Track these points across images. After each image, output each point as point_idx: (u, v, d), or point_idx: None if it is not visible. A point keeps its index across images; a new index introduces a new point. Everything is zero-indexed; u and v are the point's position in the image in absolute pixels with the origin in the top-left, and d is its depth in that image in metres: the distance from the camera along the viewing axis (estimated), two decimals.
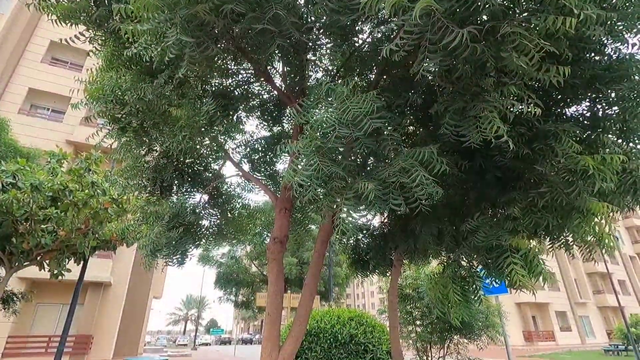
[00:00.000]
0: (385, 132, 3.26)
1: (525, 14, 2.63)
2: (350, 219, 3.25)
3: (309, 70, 5.99)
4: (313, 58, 5.73)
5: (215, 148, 7.14)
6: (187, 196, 7.16)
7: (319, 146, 3.05)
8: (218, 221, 7.63)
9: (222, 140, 6.67)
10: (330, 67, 5.88)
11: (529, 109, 2.97)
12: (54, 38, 24.91)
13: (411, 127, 4.91)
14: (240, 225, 8.01)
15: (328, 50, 4.78)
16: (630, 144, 4.37)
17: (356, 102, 2.96)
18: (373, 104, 2.93)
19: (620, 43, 4.06)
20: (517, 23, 2.48)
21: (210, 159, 7.62)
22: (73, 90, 5.15)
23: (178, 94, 4.87)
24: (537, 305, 48.46)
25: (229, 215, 7.64)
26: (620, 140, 4.38)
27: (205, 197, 7.36)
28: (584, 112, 4.61)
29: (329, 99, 3.27)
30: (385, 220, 6.63)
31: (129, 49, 3.77)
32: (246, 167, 6.73)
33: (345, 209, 3.10)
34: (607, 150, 4.00)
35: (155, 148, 6.47)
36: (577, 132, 3.85)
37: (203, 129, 4.78)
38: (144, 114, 4.81)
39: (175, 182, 7.34)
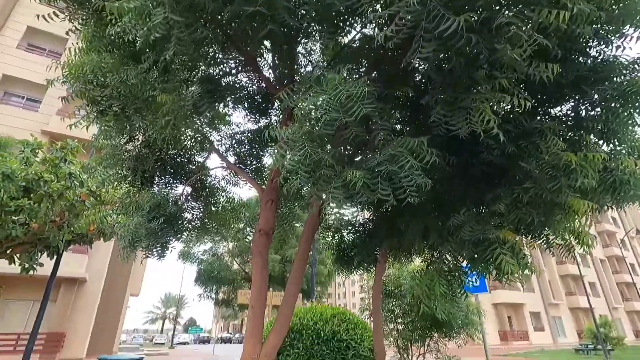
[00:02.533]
0: (375, 121, 3.22)
1: (520, 6, 2.64)
2: (338, 210, 3.20)
3: (298, 62, 5.91)
4: (303, 51, 5.65)
5: (199, 139, 6.98)
6: (168, 188, 6.95)
7: (308, 132, 2.99)
8: (201, 214, 7.45)
9: (207, 132, 6.50)
10: (321, 60, 5.81)
11: (519, 103, 2.99)
12: (32, 23, 23.94)
13: (399, 126, 4.92)
14: (223, 220, 7.85)
15: (320, 40, 4.72)
16: (611, 145, 4.50)
17: (348, 87, 2.91)
18: (364, 89, 2.88)
19: (605, 45, 4.17)
20: (512, 14, 2.49)
21: (194, 151, 7.43)
22: (49, 67, 4.89)
23: (163, 80, 4.70)
24: (513, 306, 49.88)
25: (213, 208, 7.48)
26: (602, 142, 4.50)
27: (188, 189, 7.17)
28: (569, 112, 4.72)
29: (321, 88, 3.21)
30: (371, 217, 6.62)
31: (113, 27, 3.60)
32: (232, 159, 6.59)
33: (332, 200, 3.05)
34: (590, 150, 4.10)
35: (137, 137, 6.26)
36: (562, 131, 3.93)
37: (188, 117, 4.63)
38: (126, 98, 4.62)
39: (157, 173, 7.12)
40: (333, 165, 3.04)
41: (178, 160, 7.59)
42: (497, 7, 2.57)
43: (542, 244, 5.02)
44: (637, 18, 3.76)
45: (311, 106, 2.87)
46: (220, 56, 5.73)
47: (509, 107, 4.29)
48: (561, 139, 3.96)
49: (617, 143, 4.49)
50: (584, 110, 4.56)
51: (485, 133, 3.14)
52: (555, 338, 50.62)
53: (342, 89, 2.75)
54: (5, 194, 10.74)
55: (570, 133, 4.49)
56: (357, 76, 4.96)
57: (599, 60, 4.26)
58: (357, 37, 4.98)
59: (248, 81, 6.69)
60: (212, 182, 7.55)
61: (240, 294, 16.73)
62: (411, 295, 10.07)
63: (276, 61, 5.57)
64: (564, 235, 4.67)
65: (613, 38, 4.09)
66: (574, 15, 2.65)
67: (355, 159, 3.31)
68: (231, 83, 6.33)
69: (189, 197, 7.23)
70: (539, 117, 4.46)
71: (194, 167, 8.01)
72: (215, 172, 7.13)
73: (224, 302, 27.32)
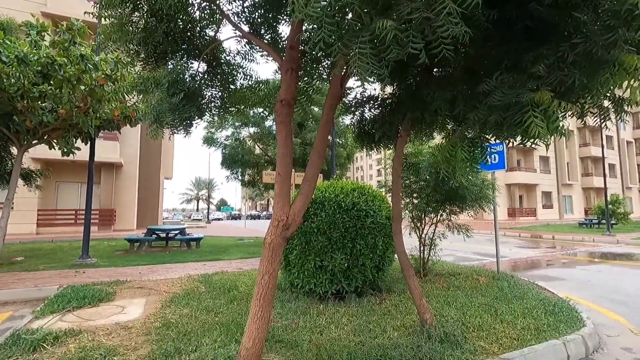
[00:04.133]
0: None
1: None
2: (363, 74, 3.01)
3: None
4: None
5: (207, 9, 6.36)
6: (184, 64, 6.70)
7: None
8: (220, 93, 7.34)
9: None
10: None
11: None
12: None
13: None
14: (243, 98, 7.75)
15: None
16: None
17: None
18: None
19: None
20: None
21: (204, 22, 6.86)
22: None
23: None
24: (526, 186, 51.61)
25: (231, 87, 7.31)
26: None
27: (203, 65, 6.90)
28: None
29: None
30: (394, 92, 6.34)
31: None
32: (245, 28, 6.06)
33: (359, 59, 2.83)
34: None
35: (141, 5, 5.73)
36: None
37: None
38: None
39: (169, 48, 6.77)
40: (360, 15, 2.73)
41: (188, 34, 7.10)
42: None
43: (576, 112, 4.77)
44: None
45: None
46: None
47: None
48: None
49: None
50: None
51: None
52: (562, 214, 53.61)
53: None
54: (25, 79, 10.81)
55: None
56: None
57: None
58: None
59: None
60: (228, 59, 7.19)
61: (264, 175, 17.80)
62: (429, 173, 10.40)
63: None
64: (603, 100, 4.38)
65: None
66: None
67: (386, 7, 2.94)
68: None
69: (205, 75, 7.02)
70: None
71: (205, 42, 7.54)
72: (230, 47, 6.68)
73: (250, 183, 29.37)
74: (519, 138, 3.97)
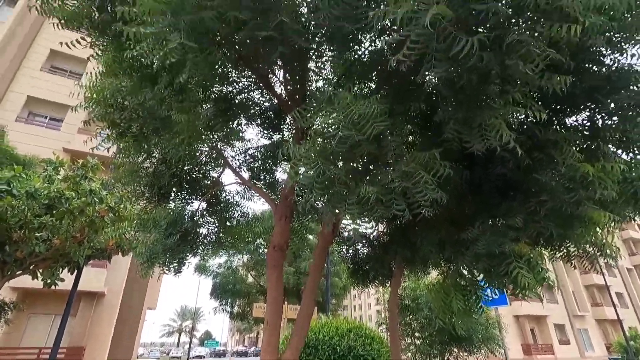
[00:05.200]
0: (388, 137, 3.24)
1: (529, 22, 2.65)
2: (353, 224, 3.22)
3: (309, 78, 6.01)
4: (314, 68, 5.75)
5: (214, 155, 7.12)
6: (184, 203, 7.09)
7: (321, 149, 3.03)
8: (216, 229, 7.55)
9: (222, 147, 6.64)
10: (331, 76, 5.90)
11: (534, 115, 2.98)
12: (55, 47, 25.06)
13: (411, 137, 4.92)
14: (238, 234, 7.92)
15: (330, 59, 4.80)
16: (631, 154, 4.39)
17: (359, 106, 2.96)
18: (376, 107, 2.92)
19: (619, 54, 4.11)
20: (523, 30, 2.50)
21: (209, 166, 7.58)
22: (72, 93, 5.13)
23: (178, 100, 4.86)
24: (536, 318, 48.06)
25: (227, 223, 7.57)
26: (620, 151, 4.40)
27: (204, 204, 7.29)
28: (584, 121, 4.64)
29: (332, 107, 3.26)
30: (385, 230, 6.58)
31: (131, 51, 3.77)
32: (245, 175, 6.69)
33: (348, 216, 3.07)
34: (608, 160, 4.01)
35: (154, 154, 6.44)
36: (578, 141, 3.87)
37: (202, 134, 4.75)
38: (144, 119, 4.79)
39: (174, 189, 7.28)
40: (346, 182, 3.06)
41: (193, 176, 7.76)
42: (507, 24, 2.58)
43: (563, 256, 4.89)
44: None
45: (323, 125, 2.92)
46: (234, 75, 5.89)
47: (522, 116, 4.27)
48: (577, 149, 3.90)
49: (636, 151, 4.38)
50: (600, 120, 4.48)
51: (502, 147, 3.11)
52: (583, 352, 48.38)
53: (354, 108, 2.80)
54: (29, 212, 11.12)
55: (587, 143, 4.40)
56: (367, 90, 5.02)
57: (614, 69, 4.19)
58: (367, 50, 5.05)
59: (260, 97, 6.84)
60: (227, 197, 7.66)
61: (255, 308, 16.69)
62: (428, 309, 9.87)
63: (287, 77, 5.68)
64: (585, 247, 4.54)
65: (627, 46, 4.03)
66: (585, 28, 2.64)
67: (369, 175, 3.33)
68: (244, 100, 6.48)
69: (205, 213, 7.35)
70: (554, 127, 4.40)
71: (209, 182, 8.16)
72: (230, 188, 7.26)
73: (239, 315, 27.29)
74: (511, 287, 3.95)
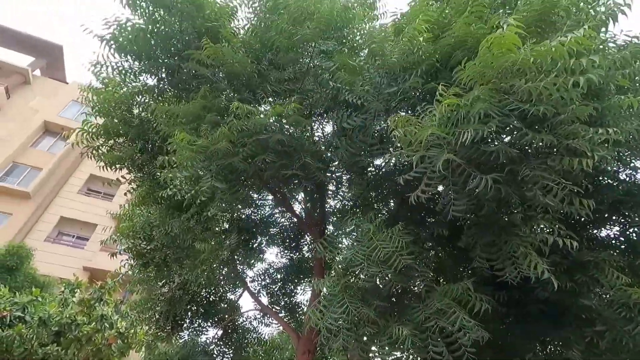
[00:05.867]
0: (416, 268, 3.13)
1: (540, 156, 2.80)
2: None
3: (328, 199, 6.24)
4: (332, 189, 6.01)
5: (233, 277, 6.96)
6: (199, 332, 6.65)
7: (347, 285, 2.92)
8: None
9: (241, 271, 6.54)
10: (348, 196, 6.12)
11: (564, 243, 2.88)
12: (94, 171, 27.53)
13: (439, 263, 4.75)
14: None
15: (346, 184, 5.07)
16: None
17: (383, 239, 2.94)
18: (401, 240, 2.89)
19: (632, 170, 4.20)
20: (534, 165, 2.62)
21: (227, 289, 7.35)
22: (105, 228, 5.41)
23: (203, 227, 5.03)
24: None
25: (243, 353, 6.92)
26: None
27: (219, 332, 6.82)
28: (617, 235, 4.47)
29: (354, 234, 3.28)
30: None
31: (165, 190, 4.07)
32: (264, 299, 6.40)
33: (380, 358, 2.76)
34: None
35: (173, 279, 6.35)
36: (618, 261, 3.64)
37: (225, 263, 4.74)
38: (168, 249, 4.88)
39: (189, 315, 6.94)
40: (376, 321, 2.84)
41: (210, 299, 7.47)
42: (519, 160, 2.73)
43: None
44: None
45: (350, 261, 2.87)
46: (256, 199, 6.19)
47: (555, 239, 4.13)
48: (620, 268, 3.65)
49: None
50: (633, 234, 4.32)
51: (539, 277, 2.94)
52: None
53: (378, 244, 2.78)
54: (37, 341, 10.59)
55: (626, 258, 4.13)
56: (386, 212, 5.11)
57: (632, 184, 4.22)
58: (382, 172, 5.34)
59: (280, 217, 7.02)
60: (244, 323, 7.20)
61: None
62: None
63: (307, 199, 5.91)
64: None
65: (638, 163, 4.15)
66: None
67: (399, 312, 3.11)
68: (265, 221, 6.64)
69: (220, 342, 6.81)
70: (586, 244, 4.22)
71: (226, 306, 7.79)
72: (248, 314, 6.88)
73: None
74: None
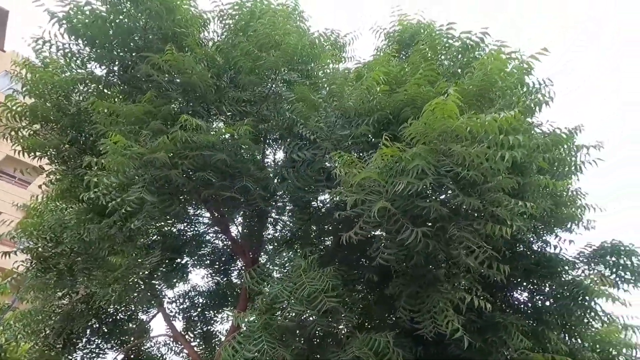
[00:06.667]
0: (341, 311, 3.08)
1: (467, 220, 2.99)
2: None
3: (268, 226, 6.07)
4: (275, 217, 5.88)
5: (150, 296, 6.34)
6: (95, 354, 5.86)
7: (267, 323, 2.77)
8: None
9: (159, 289, 5.98)
10: (289, 227, 6.01)
11: (479, 304, 3.04)
12: (11, 153, 24.52)
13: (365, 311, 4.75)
14: None
15: (289, 214, 5.00)
16: (573, 340, 4.49)
17: (312, 277, 2.88)
18: (329, 282, 2.86)
19: (544, 244, 4.68)
20: (462, 226, 2.79)
21: (139, 307, 6.65)
22: (7, 221, 4.72)
23: (125, 237, 4.57)
24: None
25: None
26: (563, 335, 4.50)
27: (119, 356, 6.07)
28: (525, 301, 4.87)
29: (285, 269, 3.18)
30: None
31: (87, 192, 3.67)
32: (179, 324, 5.85)
33: None
34: (553, 344, 4.07)
35: (77, 291, 5.61)
36: (524, 326, 3.93)
37: (142, 281, 4.31)
38: (78, 255, 4.34)
39: (87, 332, 6.13)
40: None
41: (118, 317, 6.68)
42: (449, 219, 2.90)
43: None
44: (566, 224, 4.43)
45: (275, 297, 2.75)
46: (190, 214, 5.81)
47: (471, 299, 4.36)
48: (525, 332, 3.93)
49: (578, 339, 4.51)
50: (539, 302, 4.73)
51: (452, 333, 3.04)
52: None
53: (306, 281, 2.71)
54: None
55: (531, 325, 4.48)
56: (322, 248, 5.08)
57: (543, 254, 4.68)
58: (324, 208, 5.35)
59: (214, 238, 6.64)
60: (151, 348, 6.50)
61: None
62: None
63: (246, 226, 5.70)
64: None
65: (549, 238, 4.66)
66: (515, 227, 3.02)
67: (318, 355, 3.01)
68: (196, 239, 6.23)
69: None
70: (499, 305, 4.53)
71: (134, 326, 7.00)
72: (158, 338, 6.20)
73: None
74: None
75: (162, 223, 4.26)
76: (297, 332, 3.03)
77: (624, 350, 4.88)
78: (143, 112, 3.65)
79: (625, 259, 4.54)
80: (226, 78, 4.25)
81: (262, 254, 5.70)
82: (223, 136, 3.36)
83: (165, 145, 3.21)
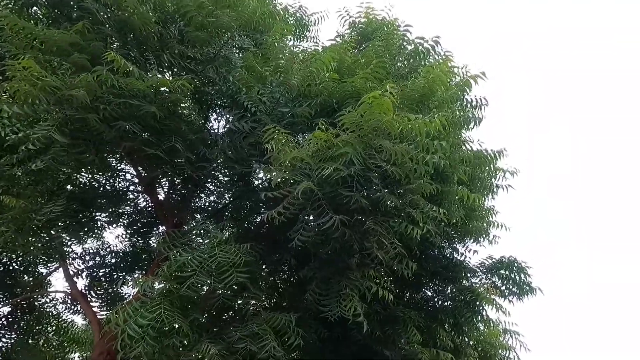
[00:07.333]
0: (249, 288, 3.07)
1: (384, 217, 3.14)
2: None
3: (200, 194, 5.80)
4: (210, 187, 5.65)
5: (54, 248, 5.76)
6: None
7: (169, 291, 2.68)
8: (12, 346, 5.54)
9: (66, 242, 5.44)
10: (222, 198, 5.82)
11: (384, 294, 3.25)
12: None
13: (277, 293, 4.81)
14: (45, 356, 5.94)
15: (224, 187, 4.86)
16: (461, 339, 5.04)
17: (226, 251, 2.83)
18: (242, 257, 2.82)
19: (453, 251, 5.14)
20: (378, 222, 2.93)
21: (38, 260, 6.01)
22: None
23: (31, 180, 4.06)
24: None
25: (30, 341, 5.69)
26: (452, 333, 5.02)
27: (5, 309, 5.49)
28: (427, 298, 5.33)
29: (199, 243, 3.10)
30: None
31: None
32: (81, 282, 5.37)
33: None
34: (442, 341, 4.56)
35: None
36: (420, 322, 4.29)
37: (39, 230, 3.90)
38: None
39: None
40: (188, 334, 2.65)
41: (10, 267, 5.99)
42: (368, 213, 3.02)
43: None
44: (475, 236, 4.91)
45: (182, 265, 2.64)
46: (111, 164, 5.31)
47: (377, 289, 4.65)
48: (420, 329, 4.31)
49: (464, 338, 5.07)
50: (439, 301, 5.22)
51: (355, 318, 3.21)
52: None
53: (218, 254, 2.66)
54: None
55: (427, 322, 4.90)
56: (248, 225, 5.01)
57: (451, 260, 5.13)
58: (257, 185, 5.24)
59: (137, 197, 6.18)
60: (46, 305, 5.96)
61: None
62: None
63: (174, 190, 5.40)
64: None
65: (458, 246, 5.12)
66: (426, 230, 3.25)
67: (220, 328, 2.99)
68: (114, 195, 5.71)
69: (3, 322, 5.48)
70: (405, 300, 4.90)
71: (30, 279, 6.34)
72: (56, 294, 5.67)
73: None
74: None
75: (71, 170, 3.83)
76: (201, 303, 2.97)
77: (500, 351, 5.62)
78: (68, 43, 3.22)
79: (515, 274, 5.16)
80: (174, 29, 3.91)
81: (190, 222, 5.45)
82: (156, 87, 3.09)
83: (88, 84, 2.88)
